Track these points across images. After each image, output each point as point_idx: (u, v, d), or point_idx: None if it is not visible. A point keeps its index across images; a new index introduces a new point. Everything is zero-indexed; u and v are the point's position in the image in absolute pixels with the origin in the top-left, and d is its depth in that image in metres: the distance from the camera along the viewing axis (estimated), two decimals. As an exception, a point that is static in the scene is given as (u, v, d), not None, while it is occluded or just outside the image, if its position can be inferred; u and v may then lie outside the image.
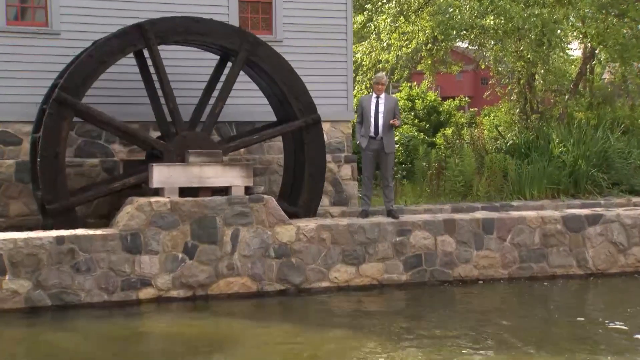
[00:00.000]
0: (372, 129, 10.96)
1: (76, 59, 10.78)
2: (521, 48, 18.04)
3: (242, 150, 12.74)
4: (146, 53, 10.87)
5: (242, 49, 10.83)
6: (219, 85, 11.38)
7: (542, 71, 18.99)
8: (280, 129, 11.40)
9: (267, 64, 11.03)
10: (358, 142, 11.15)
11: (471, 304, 10.07)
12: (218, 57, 11.64)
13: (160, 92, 11.00)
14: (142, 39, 10.41)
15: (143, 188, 10.78)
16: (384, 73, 11.93)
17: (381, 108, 10.96)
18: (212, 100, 11.52)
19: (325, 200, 12.93)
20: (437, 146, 19.45)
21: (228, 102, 12.17)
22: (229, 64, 11.46)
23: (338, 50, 13.15)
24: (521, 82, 19.17)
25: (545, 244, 11.35)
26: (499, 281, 11.07)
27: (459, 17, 18.01)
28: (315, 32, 12.98)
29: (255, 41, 10.98)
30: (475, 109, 31.60)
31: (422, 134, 20.14)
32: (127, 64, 11.05)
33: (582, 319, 9.02)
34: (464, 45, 21.60)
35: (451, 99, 27.22)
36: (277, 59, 11.09)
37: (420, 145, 17.85)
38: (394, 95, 15.45)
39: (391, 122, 10.85)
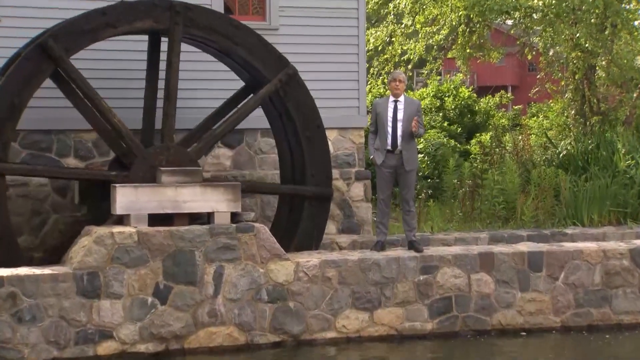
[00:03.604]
0: (389, 140, 10.99)
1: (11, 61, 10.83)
2: (577, 34, 18.07)
3: (228, 164, 12.79)
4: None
5: (174, 23, 10.78)
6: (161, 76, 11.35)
7: (604, 62, 19.02)
8: (254, 100, 11.35)
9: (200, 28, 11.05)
10: (372, 157, 11.20)
11: (514, 361, 10.09)
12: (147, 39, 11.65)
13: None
14: (48, 59, 10.38)
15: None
16: (401, 70, 11.97)
17: (400, 115, 10.99)
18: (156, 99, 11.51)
19: (331, 227, 12.97)
20: (472, 156, 19.49)
21: (203, 104, 12.25)
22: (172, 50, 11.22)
23: (348, 40, 13.20)
24: (577, 76, 19.20)
25: (609, 285, 11.36)
26: (550, 331, 11.07)
27: (499, -4, 18.11)
28: (319, 18, 13.03)
29: (185, 8, 10.92)
30: (520, 106, 31.69)
31: (452, 141, 20.18)
32: (82, 58, 11.09)
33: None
34: (508, 22, 21.66)
35: (489, 95, 27.31)
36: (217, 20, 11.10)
37: (451, 156, 17.89)
38: (415, 99, 15.47)
39: (413, 125, 10.84)
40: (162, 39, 11.39)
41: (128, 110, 11.41)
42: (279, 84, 11.25)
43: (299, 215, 11.40)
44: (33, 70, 10.31)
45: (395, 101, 11.07)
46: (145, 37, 11.54)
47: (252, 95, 11.60)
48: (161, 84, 11.28)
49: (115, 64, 12.02)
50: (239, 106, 11.59)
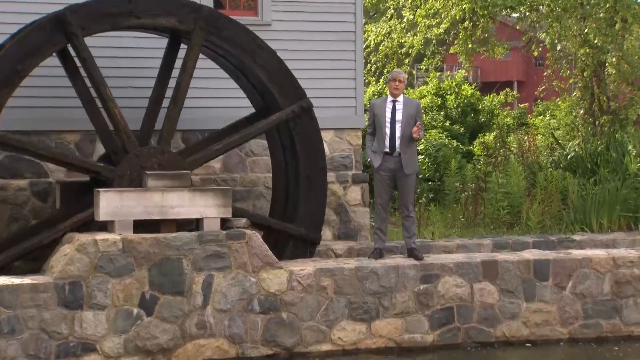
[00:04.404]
0: (387, 142, 11.00)
1: None
2: (586, 30, 18.12)
3: (217, 167, 12.79)
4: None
5: (198, 27, 10.89)
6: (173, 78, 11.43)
7: (614, 59, 19.07)
8: (262, 125, 11.39)
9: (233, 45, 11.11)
10: (369, 160, 11.22)
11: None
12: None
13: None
14: (62, 33, 10.45)
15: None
16: (401, 69, 12.01)
17: (399, 115, 11.00)
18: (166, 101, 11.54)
19: (327, 233, 12.98)
20: (475, 157, 19.51)
21: (198, 104, 12.26)
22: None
23: (344, 36, 13.22)
24: (585, 73, 19.24)
25: (619, 294, 11.38)
26: (557, 343, 11.09)
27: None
28: (314, 13, 13.05)
29: (212, 14, 11.01)
30: (526, 104, 31.74)
31: (454, 141, 20.22)
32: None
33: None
34: (514, 15, 21.74)
35: (494, 93, 27.33)
36: (242, 33, 11.17)
37: (453, 157, 17.92)
38: (415, 98, 15.51)
39: (413, 132, 10.88)
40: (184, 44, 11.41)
41: (131, 110, 11.36)
42: (291, 115, 11.27)
43: (281, 252, 11.32)
44: (44, 40, 10.36)
45: (394, 101, 11.07)
46: (160, 39, 11.64)
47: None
48: (171, 87, 11.32)
49: (126, 61, 12.10)
50: (244, 129, 11.63)
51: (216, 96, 12.37)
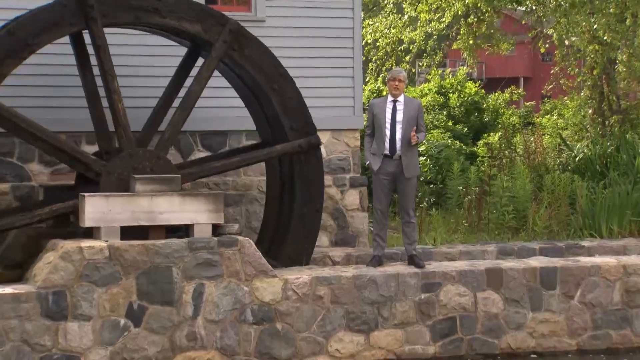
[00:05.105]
0: (387, 144, 10.97)
1: None
2: (595, 26, 18.13)
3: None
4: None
5: (222, 39, 10.93)
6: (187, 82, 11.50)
7: (624, 56, 19.09)
8: (265, 152, 11.47)
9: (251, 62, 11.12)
10: (368, 163, 11.19)
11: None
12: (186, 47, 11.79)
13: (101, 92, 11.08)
14: (82, 16, 10.51)
15: (71, 222, 10.78)
16: (401, 68, 11.99)
17: (399, 116, 10.98)
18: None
19: (323, 239, 12.97)
20: (479, 159, 19.51)
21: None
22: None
23: (342, 33, 13.23)
24: (595, 72, 19.26)
25: (629, 304, 11.36)
26: (564, 355, 11.08)
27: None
28: (310, 8, 13.06)
29: (238, 31, 11.06)
30: (533, 102, 31.77)
31: (457, 142, 20.22)
32: (49, 53, 11.10)
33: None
34: (520, 8, 21.76)
35: (499, 92, 27.33)
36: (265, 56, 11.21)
37: (456, 159, 17.93)
38: (416, 98, 15.47)
39: (411, 137, 10.85)
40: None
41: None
42: (297, 148, 11.26)
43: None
44: (62, 19, 10.41)
45: (394, 101, 11.05)
46: (179, 48, 11.78)
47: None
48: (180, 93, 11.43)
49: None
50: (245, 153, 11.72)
51: (206, 96, 12.30)
